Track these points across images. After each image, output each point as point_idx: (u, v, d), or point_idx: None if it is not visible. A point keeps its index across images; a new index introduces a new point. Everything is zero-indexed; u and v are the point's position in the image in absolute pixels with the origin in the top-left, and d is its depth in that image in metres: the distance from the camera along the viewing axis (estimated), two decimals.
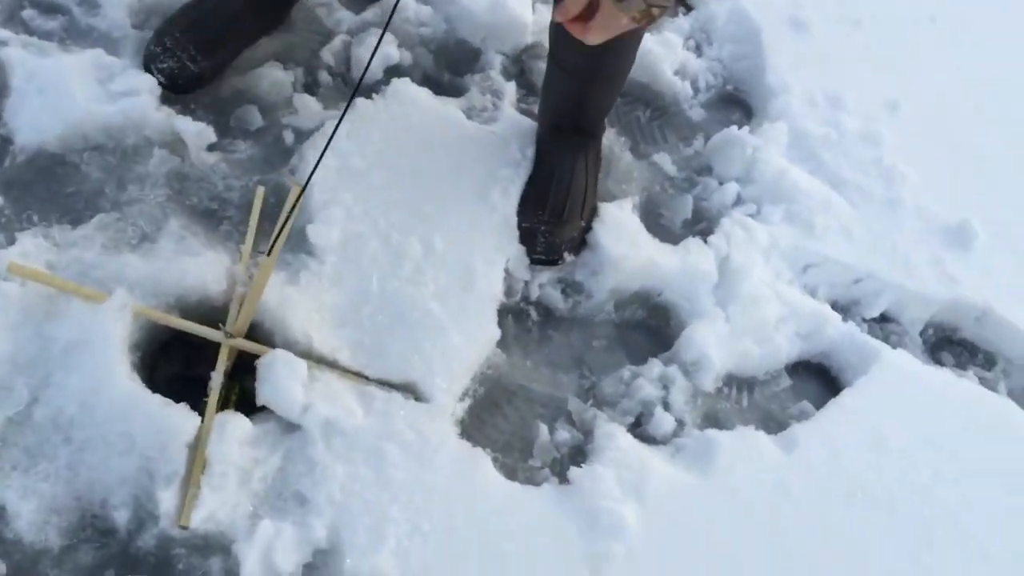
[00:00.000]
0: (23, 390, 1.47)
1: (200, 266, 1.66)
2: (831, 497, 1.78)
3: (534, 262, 1.90)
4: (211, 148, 1.88)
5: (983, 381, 2.13)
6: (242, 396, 1.63)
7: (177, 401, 1.58)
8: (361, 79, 1.28)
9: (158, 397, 1.50)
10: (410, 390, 1.67)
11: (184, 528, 1.42)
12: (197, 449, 1.48)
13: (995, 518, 1.83)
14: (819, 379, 2.05)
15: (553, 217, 1.90)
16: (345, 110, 1.33)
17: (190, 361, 1.75)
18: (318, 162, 1.39)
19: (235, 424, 1.52)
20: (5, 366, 1.48)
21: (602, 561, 1.58)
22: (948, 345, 2.22)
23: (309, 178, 1.41)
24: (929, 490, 1.84)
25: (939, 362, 2.17)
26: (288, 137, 1.95)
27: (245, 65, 2.04)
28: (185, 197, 1.80)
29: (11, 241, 1.62)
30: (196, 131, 1.85)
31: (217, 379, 1.57)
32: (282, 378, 1.56)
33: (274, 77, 2.01)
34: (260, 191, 1.83)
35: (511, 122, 2.09)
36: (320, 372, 1.61)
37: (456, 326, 1.74)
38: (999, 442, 1.97)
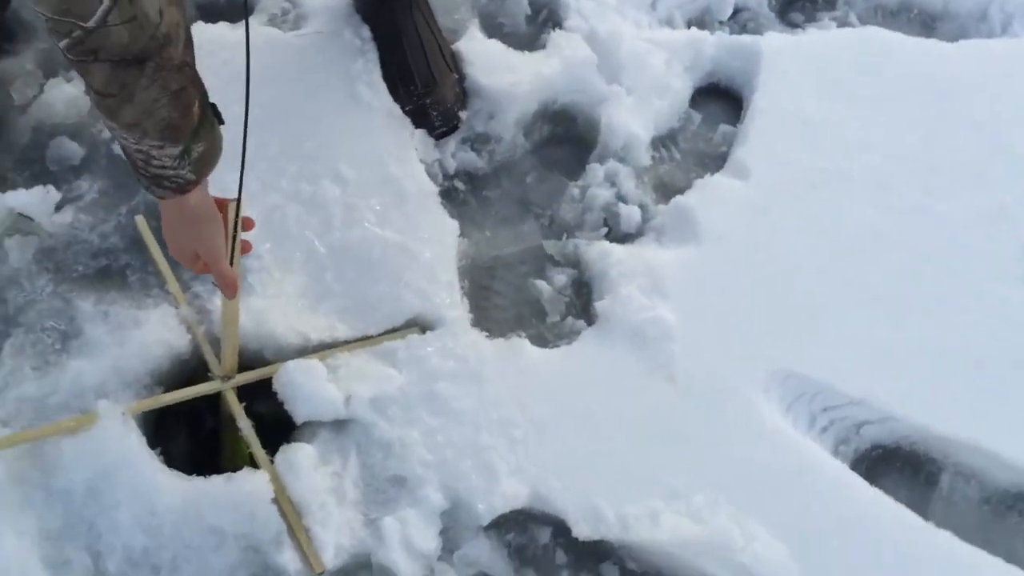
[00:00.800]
0: (80, 555, 1.32)
1: (151, 332, 1.48)
2: (799, 194, 1.84)
3: (438, 137, 1.79)
4: (58, 207, 1.61)
5: (839, 22, 2.20)
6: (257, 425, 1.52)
7: (205, 464, 1.47)
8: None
9: (215, 480, 1.37)
10: (419, 324, 1.59)
11: (321, 574, 1.35)
12: (281, 501, 1.38)
13: (927, 129, 1.96)
14: (719, 98, 2.06)
15: (428, 86, 1.77)
16: (247, 104, 1.14)
17: (189, 423, 1.61)
18: (242, 173, 1.21)
19: (297, 455, 1.41)
20: (45, 546, 1.31)
21: (669, 366, 1.61)
22: (792, 5, 2.26)
23: (240, 190, 1.24)
24: (863, 141, 1.94)
25: (795, 24, 2.21)
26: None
27: (21, 98, 1.72)
28: (70, 271, 1.57)
29: None
30: (34, 199, 1.58)
31: (246, 425, 1.44)
32: (307, 386, 1.45)
33: (64, 95, 1.72)
34: (140, 221, 1.61)
35: (324, 12, 1.88)
36: (333, 359, 1.50)
37: (417, 240, 1.64)
38: (883, 68, 2.07)
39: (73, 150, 1.69)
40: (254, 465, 1.43)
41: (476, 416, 1.50)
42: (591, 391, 1.57)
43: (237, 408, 1.45)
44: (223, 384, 1.45)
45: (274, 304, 1.53)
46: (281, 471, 1.40)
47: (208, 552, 1.34)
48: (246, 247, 1.30)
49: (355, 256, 1.60)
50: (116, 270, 1.58)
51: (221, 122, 1.14)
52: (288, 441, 1.47)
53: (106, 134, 1.70)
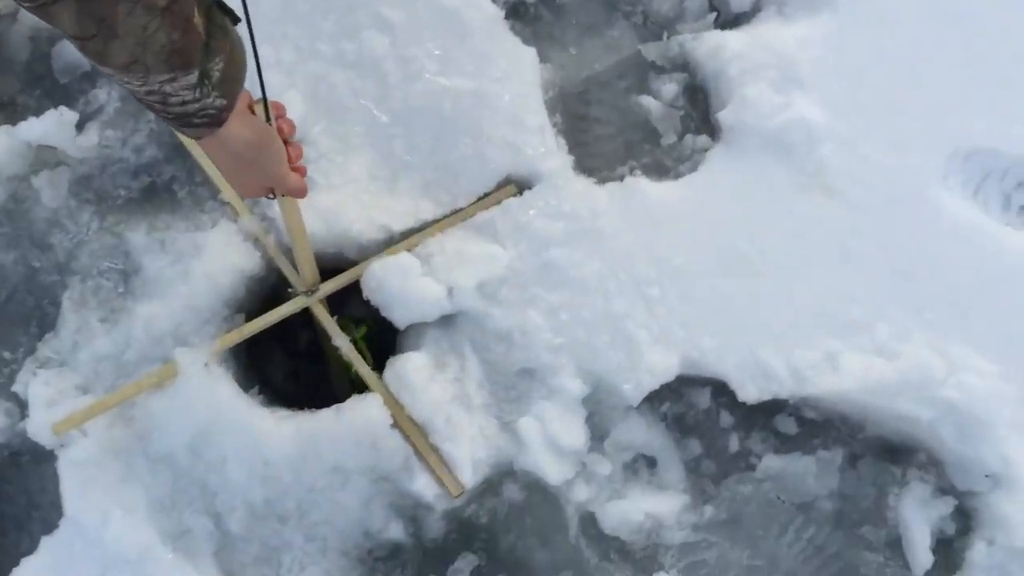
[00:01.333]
0: (199, 520, 1.19)
1: (217, 257, 1.28)
2: None
3: None
4: (79, 127, 1.39)
5: None
6: (365, 331, 1.33)
7: (311, 388, 1.31)
8: None
9: (325, 414, 1.20)
10: (514, 183, 1.33)
11: (461, 494, 1.19)
12: (402, 423, 1.20)
13: None
14: None
15: None
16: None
17: (282, 342, 1.44)
18: (259, 66, 0.94)
19: (407, 367, 1.22)
20: (159, 518, 1.18)
21: (822, 172, 1.34)
22: None
23: (262, 85, 0.97)
24: None
25: None
26: None
27: (5, 5, 1.48)
28: (112, 198, 1.37)
29: (23, 401, 1.25)
30: (50, 126, 1.36)
31: (343, 343, 1.25)
32: (401, 286, 1.24)
33: None
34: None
35: None
36: (424, 246, 1.28)
37: (492, 81, 1.36)
38: None
39: (79, 56, 1.44)
40: (363, 384, 1.25)
41: (602, 282, 1.27)
42: (732, 222, 1.31)
43: (330, 325, 1.26)
44: (308, 299, 1.26)
45: (343, 195, 1.30)
46: (394, 389, 1.22)
47: (335, 492, 1.20)
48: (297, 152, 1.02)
49: (423, 117, 1.34)
50: (162, 186, 1.38)
51: (236, 20, 0.85)
52: (394, 351, 1.28)
53: None
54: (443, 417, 1.20)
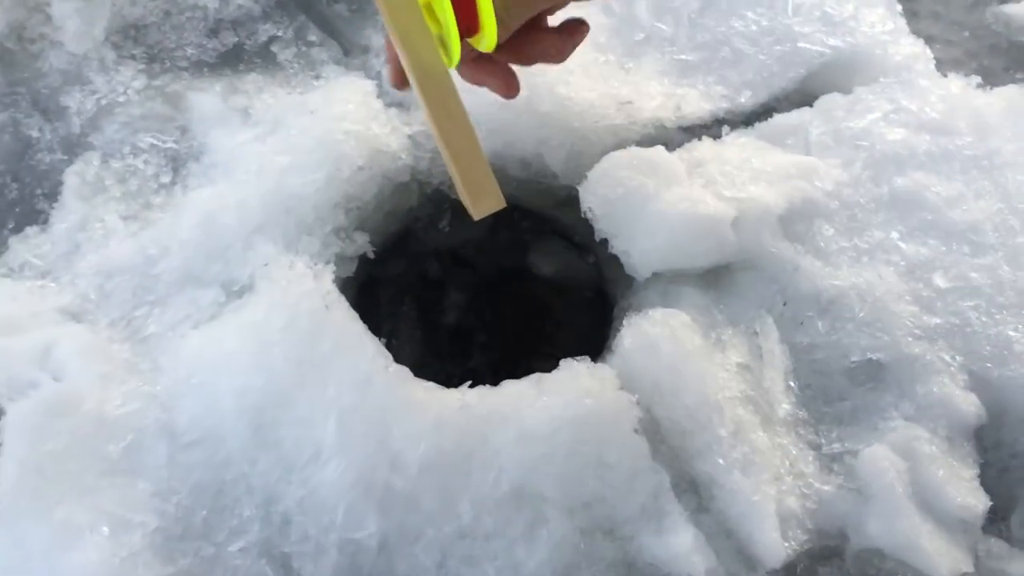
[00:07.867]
0: None
1: (334, 117, 0.80)
2: None
3: None
4: None
5: None
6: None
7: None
8: None
9: (512, 385, 0.68)
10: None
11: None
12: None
13: None
14: None
15: None
16: None
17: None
18: None
19: (663, 323, 0.71)
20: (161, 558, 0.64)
21: None
22: None
23: None
24: None
25: None
26: None
27: None
28: (172, 57, 0.93)
29: None
30: None
31: None
32: (654, 193, 0.75)
33: None
34: None
35: None
36: (688, 148, 0.79)
37: None
38: None
39: None
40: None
41: (1004, 232, 0.78)
42: None
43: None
44: None
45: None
46: (631, 370, 0.69)
47: (513, 543, 0.65)
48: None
49: None
50: (253, 49, 0.92)
51: None
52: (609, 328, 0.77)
53: None
54: (724, 425, 0.67)
